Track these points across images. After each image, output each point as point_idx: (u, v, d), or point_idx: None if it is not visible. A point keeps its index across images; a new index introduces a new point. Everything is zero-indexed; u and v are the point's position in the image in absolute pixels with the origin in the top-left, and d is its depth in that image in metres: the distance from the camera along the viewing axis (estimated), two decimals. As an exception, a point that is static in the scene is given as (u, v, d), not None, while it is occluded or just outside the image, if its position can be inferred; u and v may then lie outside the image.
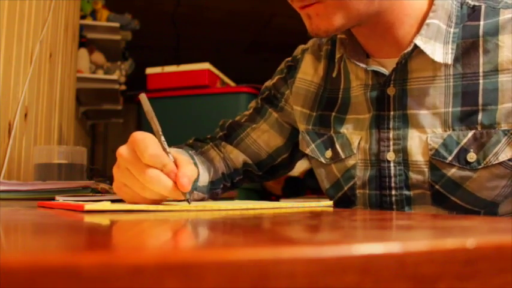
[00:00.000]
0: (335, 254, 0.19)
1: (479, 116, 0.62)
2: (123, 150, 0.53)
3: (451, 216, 0.36)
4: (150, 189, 0.51)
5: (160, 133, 0.54)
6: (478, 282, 0.20)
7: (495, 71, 0.62)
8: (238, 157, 0.83)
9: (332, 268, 0.18)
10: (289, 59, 0.84)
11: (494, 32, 0.62)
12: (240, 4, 3.36)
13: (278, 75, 0.84)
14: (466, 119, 0.63)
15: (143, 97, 0.55)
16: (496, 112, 0.61)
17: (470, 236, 0.24)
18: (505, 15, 0.62)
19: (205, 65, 2.36)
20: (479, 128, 0.62)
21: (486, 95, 0.62)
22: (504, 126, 0.61)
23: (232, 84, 2.57)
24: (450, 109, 0.63)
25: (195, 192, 0.72)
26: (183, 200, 0.54)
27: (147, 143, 0.51)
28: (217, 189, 0.80)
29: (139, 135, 0.53)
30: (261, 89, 0.87)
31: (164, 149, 0.53)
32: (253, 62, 4.53)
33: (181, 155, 0.56)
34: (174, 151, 0.57)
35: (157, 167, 0.51)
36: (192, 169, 0.53)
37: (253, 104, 0.87)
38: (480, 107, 0.62)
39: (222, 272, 0.17)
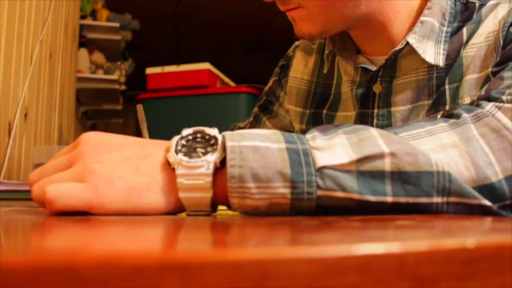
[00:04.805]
0: (335, 254, 0.18)
1: (447, 96, 0.60)
2: None
3: (451, 216, 0.36)
4: None
5: None
6: (478, 282, 0.20)
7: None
8: None
9: (332, 268, 0.18)
10: (283, 58, 0.83)
11: (475, 31, 0.60)
12: (240, 4, 3.36)
13: (273, 78, 0.84)
14: (436, 105, 0.61)
15: (140, 108, 0.64)
16: (460, 87, 0.59)
17: (470, 236, 0.24)
18: (487, 7, 0.60)
19: (205, 65, 2.35)
20: (447, 107, 0.59)
21: (453, 75, 0.60)
22: (467, 100, 0.58)
23: (232, 84, 2.57)
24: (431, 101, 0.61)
25: None
26: None
27: None
28: None
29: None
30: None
31: None
32: (253, 62, 4.54)
33: None
34: None
35: None
36: None
37: (255, 109, 0.87)
38: (447, 87, 0.60)
39: (222, 272, 0.17)
